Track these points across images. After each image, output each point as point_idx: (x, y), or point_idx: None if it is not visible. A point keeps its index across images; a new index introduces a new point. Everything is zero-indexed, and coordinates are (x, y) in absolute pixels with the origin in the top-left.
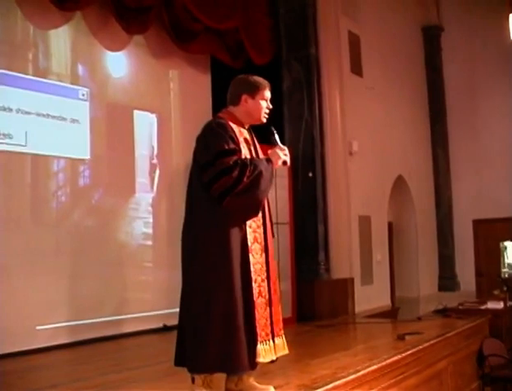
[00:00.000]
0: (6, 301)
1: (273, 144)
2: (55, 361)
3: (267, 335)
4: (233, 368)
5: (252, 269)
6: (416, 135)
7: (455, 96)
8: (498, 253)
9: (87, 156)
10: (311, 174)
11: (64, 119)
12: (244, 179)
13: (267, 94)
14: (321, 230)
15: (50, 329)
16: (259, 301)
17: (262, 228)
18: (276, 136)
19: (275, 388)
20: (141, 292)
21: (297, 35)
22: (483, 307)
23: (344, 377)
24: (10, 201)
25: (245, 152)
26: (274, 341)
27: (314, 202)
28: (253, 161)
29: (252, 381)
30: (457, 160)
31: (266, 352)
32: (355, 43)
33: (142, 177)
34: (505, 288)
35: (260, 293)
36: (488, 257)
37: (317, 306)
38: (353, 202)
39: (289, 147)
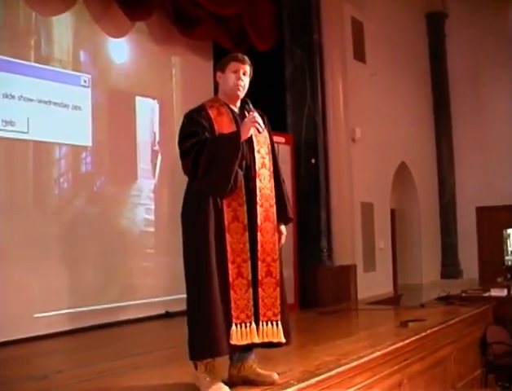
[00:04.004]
0: (8, 288)
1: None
2: (59, 348)
3: (247, 317)
4: (214, 352)
5: (228, 249)
6: (419, 122)
7: (459, 83)
8: (502, 241)
9: (89, 143)
10: (313, 161)
11: (65, 106)
12: (203, 157)
13: (236, 66)
14: (323, 217)
15: (52, 316)
16: (238, 282)
17: (245, 206)
18: (250, 105)
19: (278, 374)
20: (143, 278)
21: (300, 21)
22: (486, 295)
23: (347, 364)
24: (12, 188)
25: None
26: (259, 325)
27: (316, 189)
28: (212, 138)
29: (255, 367)
30: (461, 148)
31: (242, 334)
32: (358, 30)
33: (143, 164)
34: (508, 276)
35: (240, 274)
36: (492, 244)
37: (320, 293)
38: (356, 189)
39: (291, 134)
